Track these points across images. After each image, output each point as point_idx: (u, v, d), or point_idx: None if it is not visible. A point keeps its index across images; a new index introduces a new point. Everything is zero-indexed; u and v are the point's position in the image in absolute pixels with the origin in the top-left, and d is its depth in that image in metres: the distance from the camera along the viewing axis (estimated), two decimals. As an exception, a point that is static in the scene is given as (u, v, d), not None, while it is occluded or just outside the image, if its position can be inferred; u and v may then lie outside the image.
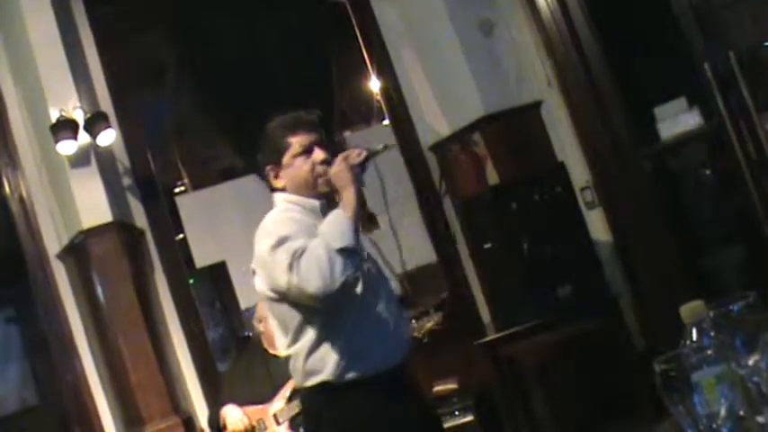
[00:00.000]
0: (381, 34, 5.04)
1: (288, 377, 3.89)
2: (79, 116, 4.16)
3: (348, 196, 2.41)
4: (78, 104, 4.18)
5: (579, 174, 4.77)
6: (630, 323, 4.64)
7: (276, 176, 2.56)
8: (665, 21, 4.21)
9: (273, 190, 2.60)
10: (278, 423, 3.81)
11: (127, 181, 4.58)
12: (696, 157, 4.79)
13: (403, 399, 2.56)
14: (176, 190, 7.12)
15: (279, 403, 3.85)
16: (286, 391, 3.86)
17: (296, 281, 2.29)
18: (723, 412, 1.11)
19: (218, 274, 6.57)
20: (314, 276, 2.27)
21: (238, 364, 4.46)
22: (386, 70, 5.06)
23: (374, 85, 5.32)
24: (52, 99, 4.16)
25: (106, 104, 4.51)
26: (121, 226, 4.27)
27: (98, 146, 4.22)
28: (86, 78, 4.46)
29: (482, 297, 4.79)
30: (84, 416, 4.37)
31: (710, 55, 4.02)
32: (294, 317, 2.44)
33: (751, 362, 1.21)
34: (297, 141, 2.51)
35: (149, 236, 4.59)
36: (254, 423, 3.81)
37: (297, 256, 2.30)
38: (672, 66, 4.37)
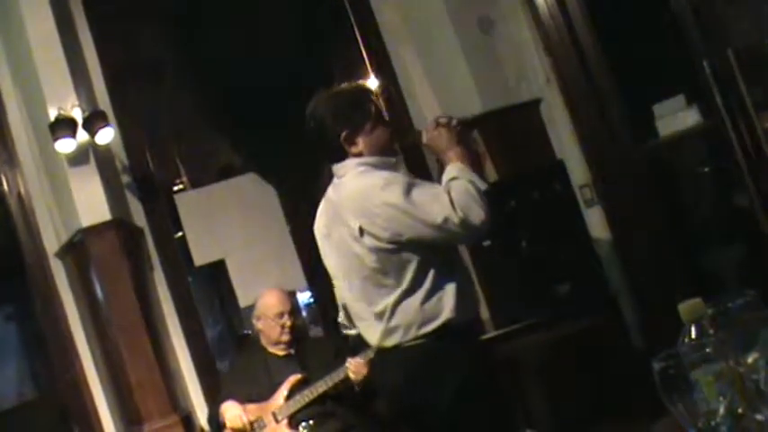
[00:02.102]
0: (380, 32, 5.04)
1: (286, 375, 3.92)
2: (78, 114, 4.16)
3: (458, 151, 2.63)
4: (77, 103, 4.18)
5: (578, 171, 4.76)
6: (629, 321, 4.64)
7: (353, 143, 2.64)
8: (664, 18, 4.20)
9: (334, 159, 2.68)
10: (277, 421, 3.81)
11: (125, 179, 4.58)
12: (695, 155, 4.78)
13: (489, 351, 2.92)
14: (175, 188, 7.12)
15: (278, 401, 3.85)
16: (285, 390, 3.86)
17: (461, 214, 2.44)
18: (722, 410, 1.11)
19: (218, 272, 6.56)
20: (476, 209, 2.45)
21: (237, 363, 4.47)
22: (384, 68, 5.06)
23: (373, 82, 5.32)
24: (50, 97, 4.15)
25: (105, 103, 4.51)
26: (120, 224, 4.26)
27: (97, 144, 4.21)
28: (85, 77, 4.46)
29: (480, 295, 4.79)
30: (84, 414, 4.37)
31: (709, 52, 4.01)
32: (411, 264, 2.54)
33: (750, 360, 1.20)
34: (376, 111, 2.67)
35: (148, 234, 4.60)
36: (253, 419, 3.82)
37: (448, 191, 2.48)
38: (670, 63, 4.37)
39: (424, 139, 2.69)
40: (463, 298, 2.60)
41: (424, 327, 2.58)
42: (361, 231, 2.56)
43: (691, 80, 4.17)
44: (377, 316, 2.63)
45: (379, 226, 2.53)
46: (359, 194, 2.58)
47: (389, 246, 2.53)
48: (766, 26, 3.90)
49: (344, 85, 2.74)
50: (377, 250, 2.56)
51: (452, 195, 2.47)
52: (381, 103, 2.84)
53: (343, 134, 2.62)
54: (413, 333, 2.59)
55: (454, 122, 2.68)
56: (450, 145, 2.63)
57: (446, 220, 2.45)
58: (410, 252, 2.54)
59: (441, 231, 2.48)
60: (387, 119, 2.70)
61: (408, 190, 2.50)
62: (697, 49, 4.08)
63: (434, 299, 2.57)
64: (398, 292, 2.57)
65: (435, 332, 2.57)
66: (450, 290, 2.58)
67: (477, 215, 2.45)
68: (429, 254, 2.55)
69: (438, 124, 2.67)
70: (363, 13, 5.06)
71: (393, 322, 2.60)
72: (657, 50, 4.35)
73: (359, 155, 2.64)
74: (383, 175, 2.58)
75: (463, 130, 2.70)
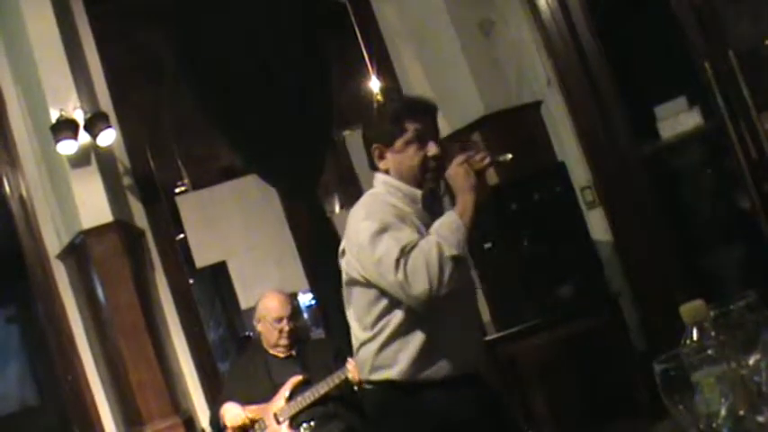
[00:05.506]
0: (381, 33, 5.04)
1: (287, 377, 3.92)
2: (79, 116, 4.16)
3: (466, 201, 2.34)
4: (78, 104, 4.18)
5: (579, 173, 4.76)
6: (631, 323, 4.64)
7: (381, 157, 2.47)
8: (665, 20, 4.21)
9: (374, 168, 2.51)
10: (278, 422, 3.81)
11: (127, 181, 4.59)
12: (696, 157, 4.79)
13: (471, 407, 2.44)
14: (176, 190, 7.13)
15: (279, 402, 3.85)
16: (286, 391, 3.86)
17: (401, 278, 2.22)
18: (723, 412, 1.11)
19: (219, 273, 6.58)
20: (422, 278, 2.21)
21: (238, 364, 4.46)
22: (385, 70, 5.06)
23: (374, 84, 5.31)
24: (52, 99, 4.16)
25: (106, 104, 4.51)
26: (121, 226, 4.27)
27: (98, 146, 4.22)
28: (86, 78, 4.46)
29: (482, 297, 4.79)
30: (85, 416, 4.37)
31: (710, 54, 4.02)
32: (378, 305, 2.36)
33: (751, 361, 1.20)
34: (413, 128, 2.42)
35: (149, 236, 4.60)
36: (254, 418, 3.82)
37: (406, 251, 2.23)
38: (672, 65, 4.38)
39: (449, 171, 2.42)
40: (429, 357, 2.36)
41: (373, 374, 2.43)
42: (343, 252, 2.45)
43: (692, 82, 4.17)
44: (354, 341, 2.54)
45: (352, 253, 2.39)
46: (351, 214, 2.44)
47: (359, 277, 2.37)
48: (767, 27, 3.90)
49: (398, 96, 2.56)
50: (348, 277, 2.43)
51: (412, 254, 2.23)
52: (435, 124, 2.52)
53: (374, 146, 2.48)
54: (365, 375, 2.47)
55: (486, 163, 2.41)
56: (464, 188, 2.36)
57: (390, 279, 2.24)
58: (379, 292, 2.34)
59: (388, 287, 2.28)
60: (433, 145, 2.43)
61: (380, 232, 2.28)
62: (698, 51, 4.09)
63: (391, 350, 2.37)
64: (361, 328, 2.43)
65: (382, 384, 2.41)
66: (410, 347, 2.35)
67: (421, 285, 2.20)
68: (398, 301, 2.32)
69: (464, 161, 2.39)
70: (365, 13, 5.07)
71: (357, 355, 2.49)
72: (658, 52, 4.36)
73: (386, 172, 2.47)
74: (376, 205, 2.40)
75: (486, 169, 2.44)
